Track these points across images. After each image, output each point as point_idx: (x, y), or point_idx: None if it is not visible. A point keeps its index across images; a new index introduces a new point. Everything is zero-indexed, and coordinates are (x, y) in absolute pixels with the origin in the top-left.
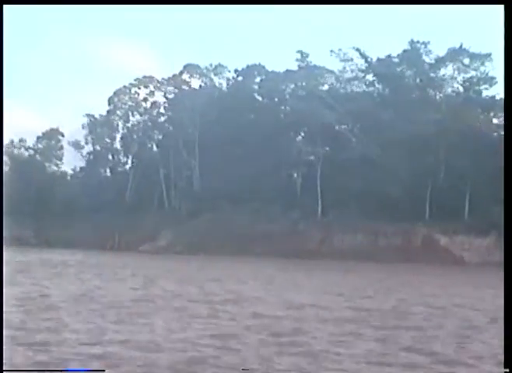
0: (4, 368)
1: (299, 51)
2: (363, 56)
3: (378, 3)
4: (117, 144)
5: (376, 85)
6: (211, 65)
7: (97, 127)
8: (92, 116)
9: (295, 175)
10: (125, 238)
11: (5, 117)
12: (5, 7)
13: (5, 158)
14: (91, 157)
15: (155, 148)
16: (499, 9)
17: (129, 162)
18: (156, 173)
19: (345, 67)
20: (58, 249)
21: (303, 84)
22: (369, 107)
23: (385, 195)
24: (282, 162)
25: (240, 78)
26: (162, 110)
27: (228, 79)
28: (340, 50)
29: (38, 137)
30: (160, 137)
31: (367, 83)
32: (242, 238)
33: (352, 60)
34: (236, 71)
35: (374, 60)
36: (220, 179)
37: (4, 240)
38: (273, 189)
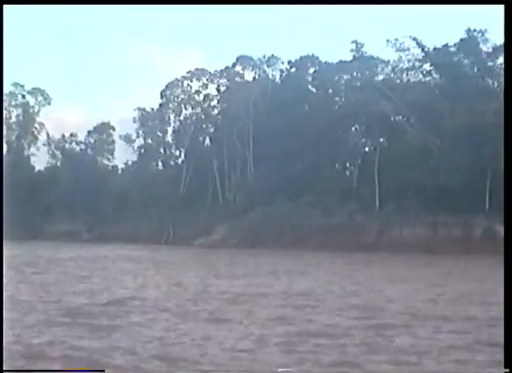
0: (4, 368)
1: (354, 41)
2: (420, 45)
3: (377, 3)
4: (169, 138)
5: (434, 75)
6: (264, 57)
7: (149, 120)
8: (144, 109)
9: (351, 167)
10: (180, 232)
11: (55, 113)
12: (5, 7)
13: (56, 152)
14: (142, 151)
15: (207, 141)
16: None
17: (182, 155)
18: (209, 166)
19: (401, 57)
20: (112, 244)
21: (359, 75)
22: (426, 97)
23: (444, 186)
24: (337, 154)
25: (293, 70)
26: (215, 103)
27: (281, 71)
28: (396, 39)
29: (89, 132)
30: (213, 129)
31: (424, 73)
32: (298, 231)
33: (408, 49)
34: (289, 62)
35: (431, 49)
36: (275, 171)
37: (55, 235)
38: (329, 182)
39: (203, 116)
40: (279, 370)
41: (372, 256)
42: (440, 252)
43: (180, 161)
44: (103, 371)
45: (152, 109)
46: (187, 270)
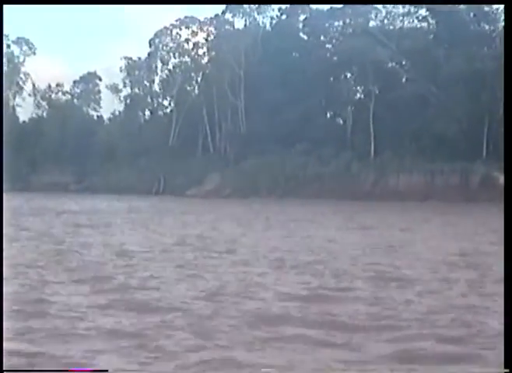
0: (4, 368)
1: None
2: None
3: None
4: (156, 87)
5: (430, 21)
6: (254, 4)
7: (135, 69)
8: (130, 58)
9: (344, 115)
10: (170, 183)
11: (40, 63)
12: (5, 7)
13: (42, 103)
14: (129, 101)
15: (196, 91)
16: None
17: (170, 104)
18: (199, 116)
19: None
20: (102, 195)
21: (352, 21)
22: (422, 43)
23: (441, 134)
24: (330, 102)
25: (283, 17)
26: (204, 51)
27: (272, 18)
28: None
29: (75, 82)
30: (202, 78)
31: (420, 19)
32: (292, 180)
33: None
34: (279, 9)
35: None
36: (267, 120)
37: (42, 186)
38: (322, 131)
39: (192, 65)
40: (263, 370)
41: (367, 205)
42: (438, 199)
43: (168, 110)
44: (107, 370)
45: (139, 58)
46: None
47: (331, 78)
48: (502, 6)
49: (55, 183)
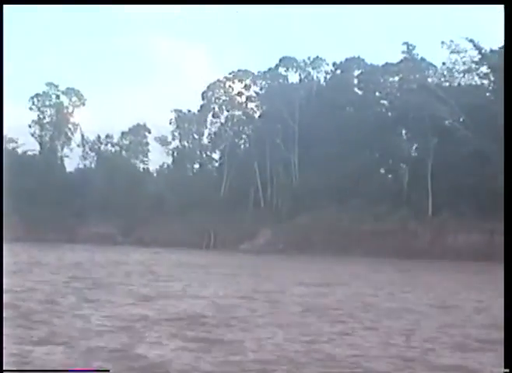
0: (4, 368)
1: (405, 43)
2: (477, 47)
3: (373, 3)
4: (205, 140)
5: (491, 78)
6: (308, 58)
7: (185, 122)
8: (180, 111)
9: (401, 171)
10: (221, 237)
11: (92, 114)
12: (5, 7)
13: (91, 154)
14: (178, 153)
15: (248, 144)
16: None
17: (221, 158)
18: (250, 170)
19: (456, 60)
20: (150, 248)
21: (411, 77)
22: (483, 100)
23: (501, 192)
24: (386, 158)
25: (338, 72)
26: (257, 104)
27: (326, 73)
28: (452, 41)
29: (123, 133)
30: (255, 132)
31: (481, 75)
32: (347, 237)
33: (465, 51)
34: (334, 64)
35: (487, 51)
36: (321, 176)
37: (88, 237)
38: (378, 187)
39: (244, 118)
40: None
41: (427, 265)
42: (499, 259)
43: (218, 164)
44: (108, 370)
45: (189, 110)
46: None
47: (388, 134)
48: None
49: (102, 235)
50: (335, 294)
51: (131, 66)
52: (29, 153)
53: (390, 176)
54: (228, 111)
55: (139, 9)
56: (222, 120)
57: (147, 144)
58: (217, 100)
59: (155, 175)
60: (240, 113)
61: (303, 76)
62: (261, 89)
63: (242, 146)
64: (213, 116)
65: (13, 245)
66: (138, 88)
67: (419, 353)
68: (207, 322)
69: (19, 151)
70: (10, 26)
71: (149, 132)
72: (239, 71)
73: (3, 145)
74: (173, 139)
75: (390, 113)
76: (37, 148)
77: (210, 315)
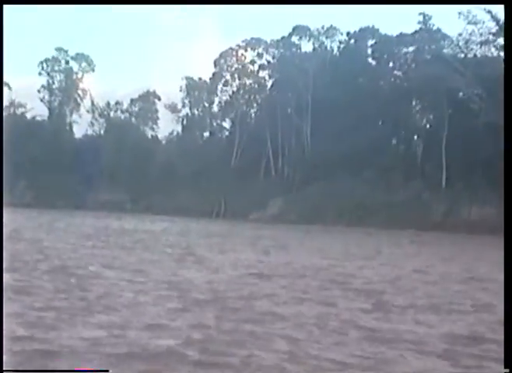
0: (4, 368)
1: (422, 13)
2: (495, 18)
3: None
4: (215, 108)
5: None
6: (322, 27)
7: (196, 90)
8: (191, 78)
9: (415, 143)
10: (231, 206)
11: (101, 80)
12: (5, 7)
13: (100, 120)
14: (188, 121)
15: (259, 113)
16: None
17: (231, 126)
18: (261, 139)
19: (473, 31)
20: (160, 216)
21: (426, 47)
22: (499, 72)
23: None
24: (400, 129)
25: (352, 42)
26: (270, 73)
27: (340, 42)
28: (469, 11)
29: (132, 100)
30: (267, 101)
31: (498, 47)
32: (360, 208)
33: (483, 22)
34: (347, 33)
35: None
36: (334, 146)
37: (98, 205)
38: (391, 158)
39: (256, 87)
40: None
41: (441, 237)
42: None
43: (228, 133)
44: (108, 371)
45: (200, 78)
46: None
47: (402, 105)
48: None
49: (111, 202)
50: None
51: (141, 32)
52: (38, 118)
53: (403, 147)
54: (240, 79)
55: None
56: (234, 89)
57: (156, 111)
58: (229, 68)
59: (164, 142)
60: (251, 81)
61: (316, 45)
62: (273, 58)
63: (253, 115)
64: (225, 84)
65: (23, 212)
66: (148, 55)
67: None
68: None
69: (28, 116)
70: None
71: (159, 99)
72: (252, 39)
73: (3, 141)
74: (183, 107)
75: (405, 84)
76: (46, 113)
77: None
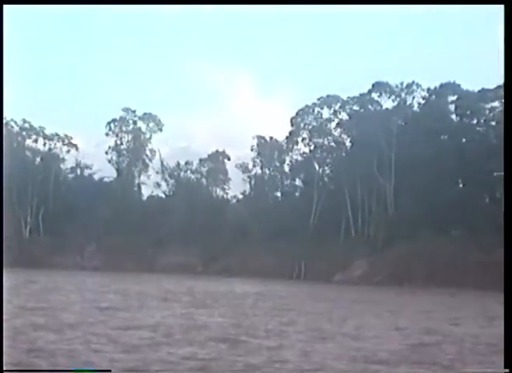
0: (4, 368)
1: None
2: None
3: (372, 3)
4: (287, 167)
5: None
6: (401, 83)
7: (267, 148)
8: (263, 137)
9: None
10: (312, 267)
11: (167, 140)
12: (5, 7)
13: (170, 181)
14: (259, 180)
15: (337, 171)
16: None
17: (306, 185)
18: (340, 198)
19: None
20: (238, 278)
21: None
22: None
23: None
24: (488, 187)
25: (432, 98)
26: (347, 130)
27: (423, 98)
28: None
29: (201, 160)
30: (345, 159)
31: None
32: (451, 268)
33: None
34: (428, 89)
35: None
36: (418, 204)
37: (168, 267)
38: (481, 216)
39: (333, 145)
40: None
41: None
42: None
43: (304, 192)
44: (110, 371)
45: (271, 137)
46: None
47: (491, 162)
48: None
49: (182, 264)
50: None
51: (211, 92)
52: (106, 180)
53: (494, 204)
54: (317, 137)
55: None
56: (312, 147)
57: (226, 171)
58: (306, 126)
59: (234, 202)
60: (329, 139)
61: (396, 102)
62: (349, 115)
63: (331, 174)
64: (303, 142)
65: (97, 276)
66: (218, 114)
67: None
68: None
69: (96, 177)
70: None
71: (228, 159)
72: (328, 96)
73: (3, 145)
74: (254, 166)
75: (494, 141)
76: (113, 174)
77: None
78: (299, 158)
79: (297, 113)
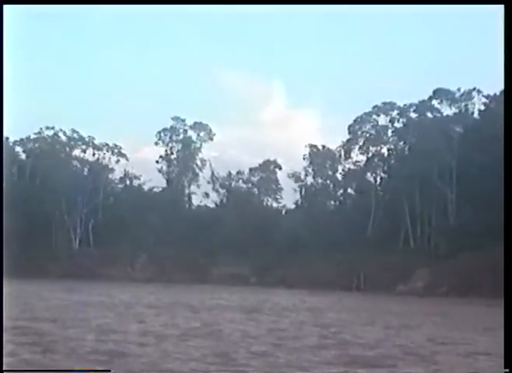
0: (4, 368)
1: None
2: None
3: (371, 3)
4: (339, 176)
5: None
6: (458, 90)
7: (319, 157)
8: (315, 146)
9: None
10: (371, 278)
11: (219, 148)
12: (5, 7)
13: (221, 191)
14: (312, 190)
15: (395, 179)
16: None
17: (360, 194)
18: (399, 207)
19: None
20: (296, 290)
21: None
22: None
23: None
24: None
25: (492, 105)
26: (405, 138)
27: (484, 105)
28: None
29: (251, 169)
30: (403, 167)
31: None
32: None
33: None
34: (487, 96)
35: None
36: (481, 213)
37: (221, 278)
38: None
39: (390, 153)
40: None
41: None
42: None
43: (356, 201)
44: (109, 370)
45: (324, 146)
46: None
47: None
48: None
49: (234, 275)
50: None
51: (259, 102)
52: (156, 190)
53: None
54: (374, 145)
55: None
56: (369, 155)
57: (277, 180)
58: (364, 134)
59: (286, 212)
60: (387, 147)
61: (456, 109)
62: (403, 123)
63: (388, 182)
64: (359, 149)
65: (150, 288)
66: (266, 123)
67: None
68: None
69: (145, 187)
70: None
71: (280, 168)
72: (383, 103)
73: (3, 146)
74: (306, 175)
75: None
76: (163, 184)
77: None
78: (352, 166)
79: (355, 121)
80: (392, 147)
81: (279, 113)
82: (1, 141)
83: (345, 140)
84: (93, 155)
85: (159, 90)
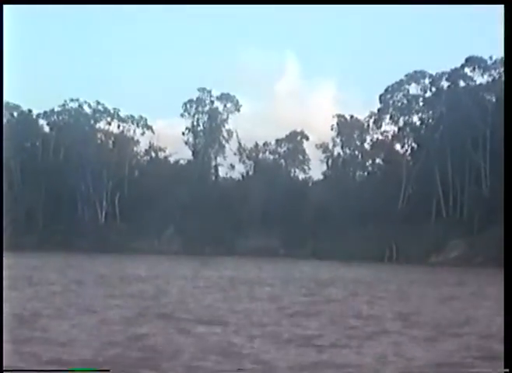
0: (4, 368)
1: None
2: None
3: (371, 3)
4: (367, 147)
5: None
6: (490, 58)
7: (347, 128)
8: (343, 116)
9: None
10: (403, 249)
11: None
12: (5, 7)
13: (248, 162)
14: (340, 161)
15: (427, 150)
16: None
17: (388, 163)
18: (430, 178)
19: None
20: (328, 261)
21: None
22: None
23: None
24: None
25: None
26: (437, 107)
27: None
28: None
29: (277, 140)
30: (434, 137)
31: None
32: None
33: None
34: None
35: None
36: None
37: (248, 251)
38: None
39: (422, 122)
40: None
41: None
42: None
43: (386, 171)
44: (108, 370)
45: (352, 116)
46: None
47: None
48: None
49: (262, 248)
50: None
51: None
52: (182, 162)
53: None
54: (405, 115)
55: None
56: (401, 124)
57: (304, 151)
58: (396, 103)
59: (311, 183)
60: (418, 116)
61: (489, 77)
62: (434, 92)
63: (419, 152)
64: (391, 119)
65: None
66: (295, 94)
67: None
68: None
69: (171, 160)
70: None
71: (307, 139)
72: (415, 72)
73: (3, 142)
74: (334, 146)
75: None
76: (189, 156)
77: None
78: (380, 137)
79: (386, 90)
80: (424, 116)
81: (297, 84)
82: (1, 141)
83: (375, 110)
84: (118, 127)
85: (184, 63)
